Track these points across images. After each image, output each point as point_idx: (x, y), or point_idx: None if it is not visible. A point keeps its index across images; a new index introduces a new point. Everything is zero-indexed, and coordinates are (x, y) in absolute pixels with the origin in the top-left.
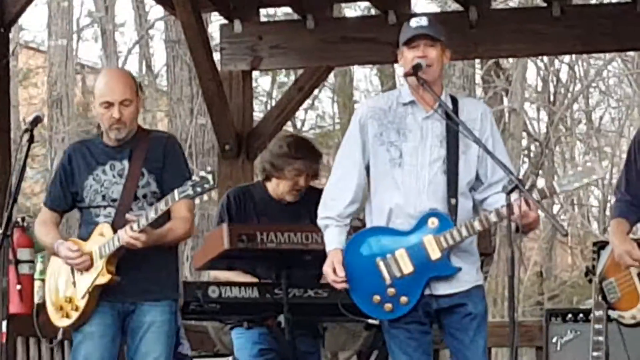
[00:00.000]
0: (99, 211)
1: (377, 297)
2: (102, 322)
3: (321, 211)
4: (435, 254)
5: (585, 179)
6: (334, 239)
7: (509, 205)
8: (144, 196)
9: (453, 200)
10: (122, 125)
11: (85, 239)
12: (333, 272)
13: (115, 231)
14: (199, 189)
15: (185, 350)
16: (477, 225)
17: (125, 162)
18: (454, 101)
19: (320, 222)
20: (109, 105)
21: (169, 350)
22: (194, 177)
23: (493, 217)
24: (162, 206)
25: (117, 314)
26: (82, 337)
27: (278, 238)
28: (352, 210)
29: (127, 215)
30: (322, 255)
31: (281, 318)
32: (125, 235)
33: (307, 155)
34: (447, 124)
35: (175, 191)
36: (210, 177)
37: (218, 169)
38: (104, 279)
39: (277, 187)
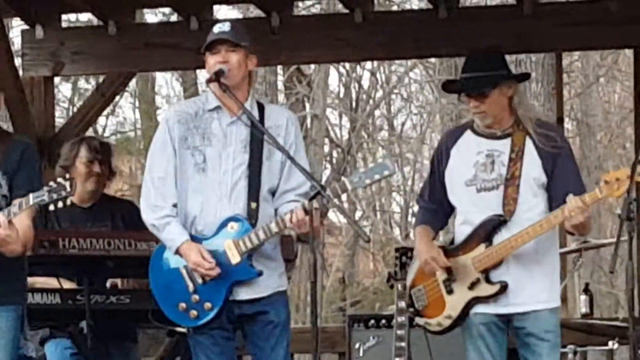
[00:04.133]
0: None
1: (182, 305)
2: None
3: (153, 212)
4: (235, 258)
5: (377, 175)
6: (180, 232)
7: (311, 212)
8: None
9: (253, 205)
10: None
11: None
12: (203, 260)
13: None
14: (54, 195)
15: (30, 352)
16: (274, 227)
17: None
18: (261, 107)
19: (157, 222)
20: None
21: (15, 357)
22: (51, 183)
23: (288, 219)
24: (15, 210)
25: None
26: None
27: (80, 244)
28: (177, 208)
29: None
30: (123, 262)
31: (83, 324)
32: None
33: (88, 140)
34: (252, 129)
35: (30, 195)
36: (67, 184)
37: None
38: None
39: (79, 187)
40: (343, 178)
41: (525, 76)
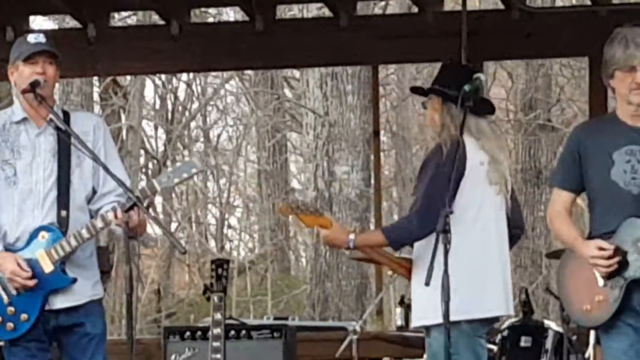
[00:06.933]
0: None
1: None
2: None
3: None
4: (48, 267)
5: (185, 174)
6: None
7: (127, 223)
8: None
9: (63, 213)
10: None
11: None
12: (21, 270)
13: None
14: None
15: None
16: (85, 233)
17: None
18: (66, 115)
19: None
20: None
21: None
22: None
23: (99, 223)
24: None
25: None
26: None
27: None
28: None
29: None
30: None
31: None
32: None
33: None
34: (60, 137)
35: None
36: None
37: None
38: None
39: None
40: (152, 179)
41: (443, 94)
